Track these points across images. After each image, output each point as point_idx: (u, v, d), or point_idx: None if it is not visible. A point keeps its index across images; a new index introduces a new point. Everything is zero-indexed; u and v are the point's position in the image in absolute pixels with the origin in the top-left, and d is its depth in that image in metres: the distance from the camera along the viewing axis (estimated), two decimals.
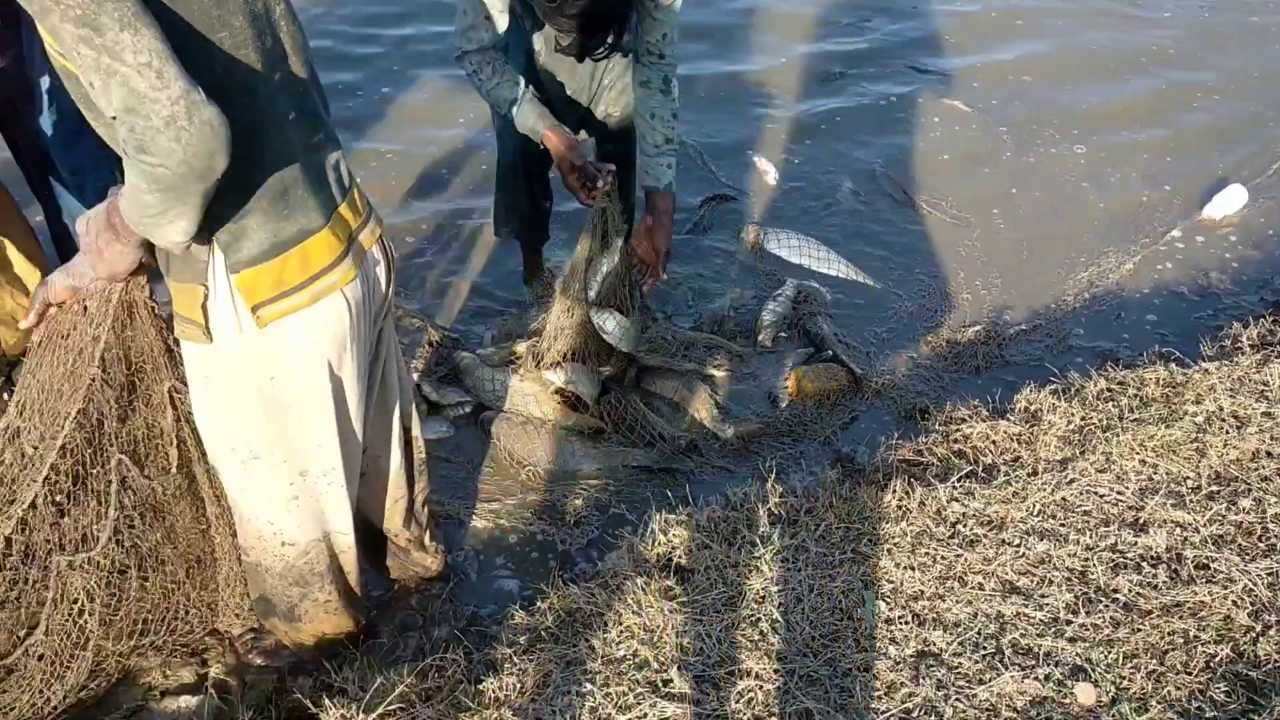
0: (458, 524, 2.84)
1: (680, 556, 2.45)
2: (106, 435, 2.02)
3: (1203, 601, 2.24)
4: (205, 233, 1.71)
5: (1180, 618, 2.22)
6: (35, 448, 1.99)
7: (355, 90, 4.71)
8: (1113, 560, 2.36)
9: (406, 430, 2.34)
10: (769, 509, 2.56)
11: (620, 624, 2.25)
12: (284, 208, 1.78)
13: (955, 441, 2.84)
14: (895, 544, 2.44)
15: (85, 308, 1.95)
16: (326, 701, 2.15)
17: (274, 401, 1.94)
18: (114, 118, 1.51)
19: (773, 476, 2.68)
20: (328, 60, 4.85)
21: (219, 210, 1.68)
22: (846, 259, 3.84)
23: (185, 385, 2.05)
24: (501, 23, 2.76)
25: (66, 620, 2.06)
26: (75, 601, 2.06)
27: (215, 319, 1.83)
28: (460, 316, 3.58)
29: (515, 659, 2.23)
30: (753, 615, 2.26)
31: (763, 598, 2.30)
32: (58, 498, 2.00)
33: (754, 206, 4.16)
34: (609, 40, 2.63)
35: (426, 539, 2.52)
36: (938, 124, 4.74)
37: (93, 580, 2.06)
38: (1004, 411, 2.97)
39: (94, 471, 2.02)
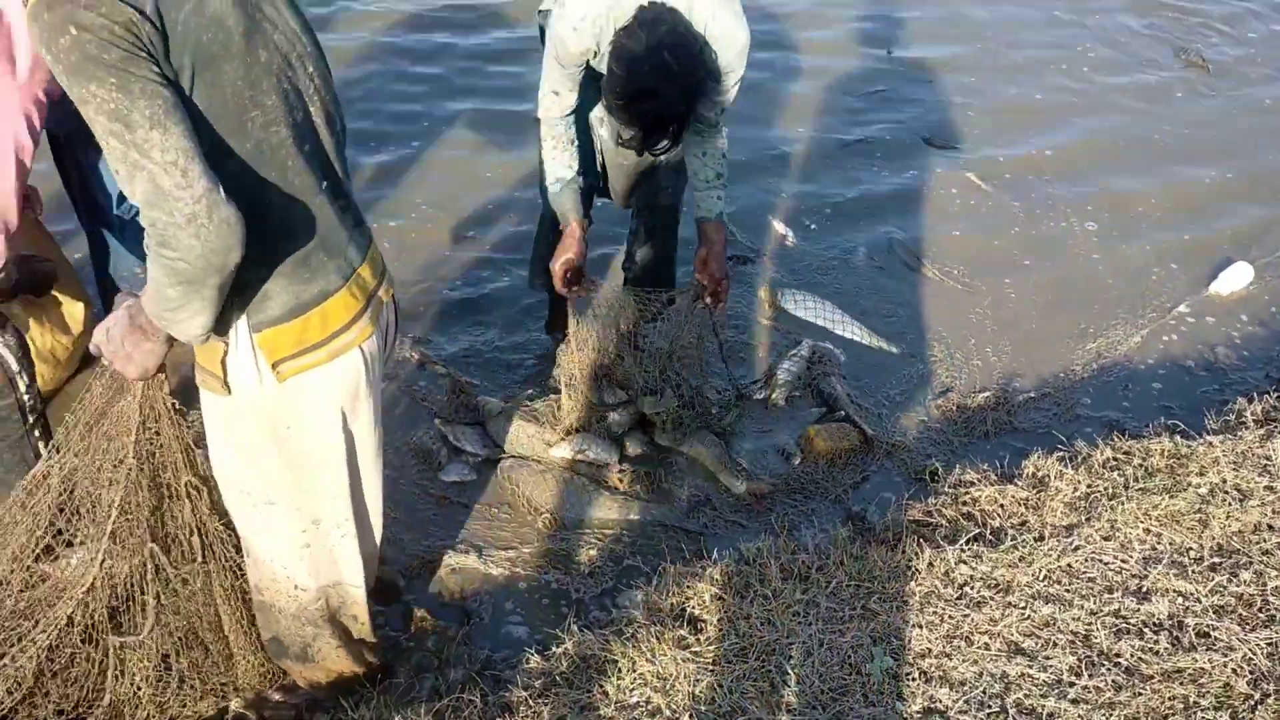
0: (475, 570, 2.91)
1: (694, 608, 2.51)
2: (140, 524, 2.12)
3: (1203, 668, 2.29)
4: (230, 292, 1.77)
5: (1181, 683, 2.27)
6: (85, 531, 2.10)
7: (388, 143, 4.85)
8: (1116, 625, 2.42)
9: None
10: (781, 564, 2.62)
11: (634, 670, 2.32)
12: (306, 272, 1.86)
13: (964, 504, 2.91)
14: (904, 602, 2.50)
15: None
16: None
17: (290, 451, 2.01)
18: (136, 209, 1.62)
19: (785, 533, 2.74)
20: (363, 114, 4.99)
21: (245, 274, 1.75)
22: (861, 323, 3.93)
23: (202, 481, 2.15)
24: (570, 100, 2.91)
25: (128, 691, 2.22)
26: (134, 677, 2.18)
27: (234, 373, 1.90)
28: (483, 365, 3.67)
29: (530, 702, 2.29)
30: (763, 667, 2.32)
31: (773, 650, 2.36)
32: (111, 582, 2.10)
33: (771, 269, 4.25)
34: (668, 139, 2.76)
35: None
36: (953, 197, 4.84)
37: (144, 658, 2.19)
38: (1012, 476, 3.04)
39: (134, 560, 2.12)
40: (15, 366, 2.45)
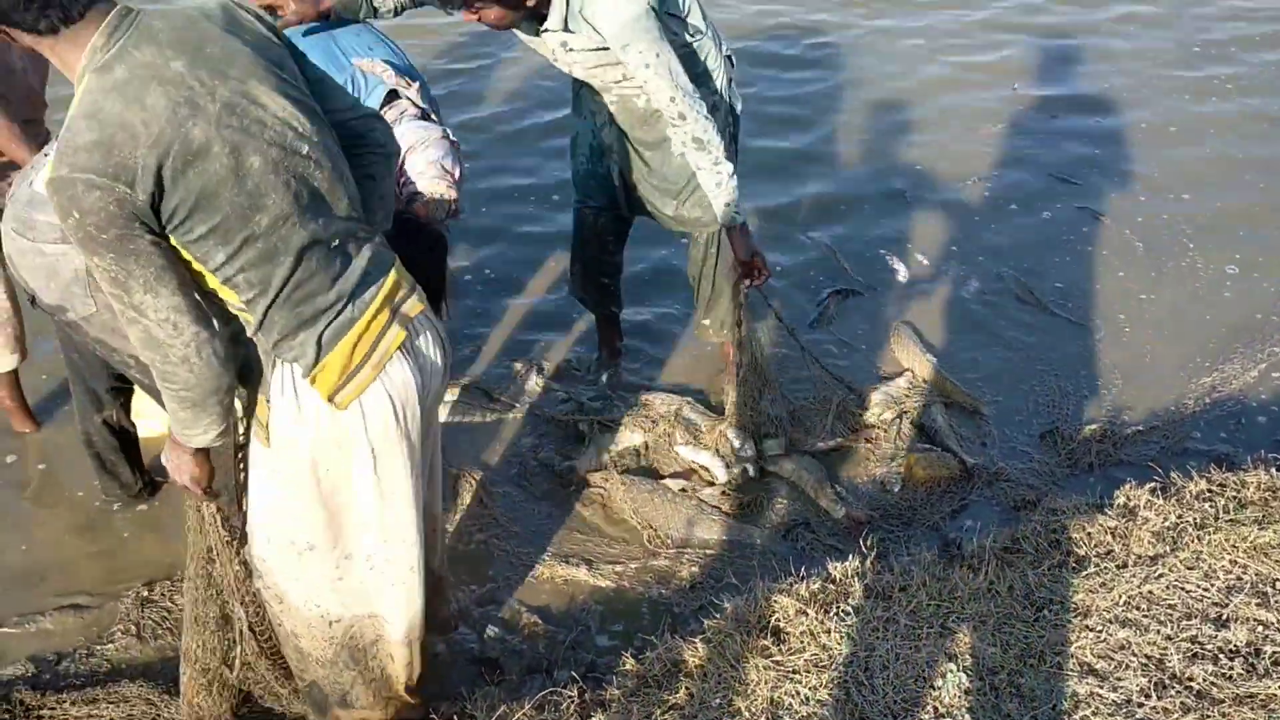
0: (584, 582, 3.15)
1: (778, 620, 2.68)
2: None
3: (1274, 694, 2.34)
4: (271, 355, 2.07)
5: (1251, 708, 2.32)
6: None
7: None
8: (1191, 650, 2.48)
9: (435, 516, 2.64)
10: (866, 584, 2.77)
11: (718, 675, 2.50)
12: (330, 315, 2.05)
13: (1053, 532, 2.99)
14: (981, 622, 2.62)
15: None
16: None
17: (326, 489, 2.20)
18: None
19: (872, 554, 2.89)
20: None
21: (279, 341, 2.04)
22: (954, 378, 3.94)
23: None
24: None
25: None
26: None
27: (275, 423, 2.14)
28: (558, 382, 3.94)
29: (623, 700, 2.50)
30: (840, 677, 2.48)
31: (850, 662, 2.51)
32: None
33: (881, 302, 4.38)
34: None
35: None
36: (1073, 232, 4.85)
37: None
38: (1102, 506, 3.10)
39: None
40: (240, 413, 2.83)
